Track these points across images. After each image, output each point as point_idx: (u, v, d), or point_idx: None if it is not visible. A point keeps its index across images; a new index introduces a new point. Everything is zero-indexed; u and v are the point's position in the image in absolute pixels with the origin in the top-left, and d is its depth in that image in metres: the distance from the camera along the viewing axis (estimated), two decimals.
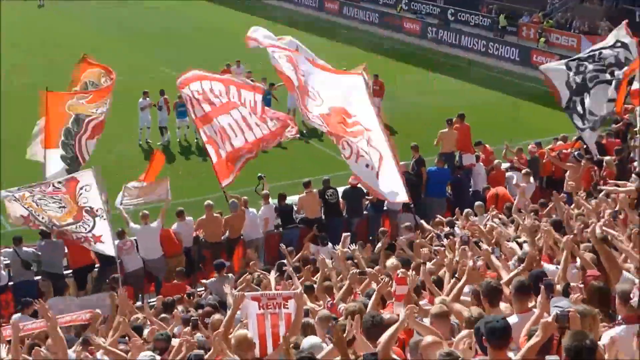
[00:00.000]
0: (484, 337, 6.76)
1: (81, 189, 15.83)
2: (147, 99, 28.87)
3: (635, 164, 18.61)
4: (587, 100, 18.50)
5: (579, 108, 18.63)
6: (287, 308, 9.18)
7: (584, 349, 6.08)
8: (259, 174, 19.97)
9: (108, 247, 15.81)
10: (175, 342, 9.58)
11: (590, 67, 18.62)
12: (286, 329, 8.85)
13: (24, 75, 36.63)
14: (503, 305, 8.62)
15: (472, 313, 8.15)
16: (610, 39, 19.13)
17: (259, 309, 9.11)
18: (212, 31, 48.30)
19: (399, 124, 30.56)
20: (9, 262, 16.73)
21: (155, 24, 50.14)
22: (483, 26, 47.25)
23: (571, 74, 18.69)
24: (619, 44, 18.67)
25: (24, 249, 16.84)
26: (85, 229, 15.74)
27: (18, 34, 45.51)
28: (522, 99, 35.25)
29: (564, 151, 21.14)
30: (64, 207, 15.86)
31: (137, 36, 47.45)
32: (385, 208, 20.03)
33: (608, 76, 18.39)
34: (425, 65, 40.42)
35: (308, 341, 7.96)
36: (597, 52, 18.86)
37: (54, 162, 18.37)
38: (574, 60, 19.22)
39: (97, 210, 15.76)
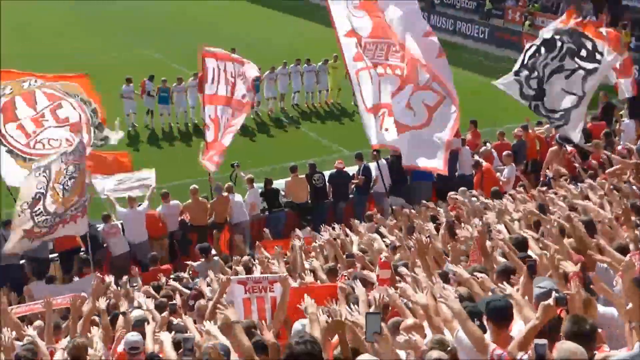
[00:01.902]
0: (486, 317, 6.84)
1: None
2: (131, 85, 28.67)
3: (619, 148, 18.65)
4: (541, 104, 18.08)
5: (542, 110, 18.31)
6: (273, 292, 9.21)
7: (583, 333, 6.09)
8: (232, 162, 19.91)
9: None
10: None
11: (542, 59, 18.22)
12: (272, 313, 8.86)
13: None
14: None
15: (460, 292, 8.19)
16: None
17: (245, 293, 9.14)
18: (187, 16, 47.85)
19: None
20: None
21: (133, 8, 49.65)
22: (468, 9, 47.12)
23: (523, 83, 18.18)
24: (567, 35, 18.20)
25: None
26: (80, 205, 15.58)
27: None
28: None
29: (552, 134, 21.20)
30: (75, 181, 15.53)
31: (113, 19, 47.07)
32: (371, 191, 20.10)
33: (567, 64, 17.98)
34: None
35: (299, 324, 7.91)
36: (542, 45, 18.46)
37: None
38: (520, 67, 18.49)
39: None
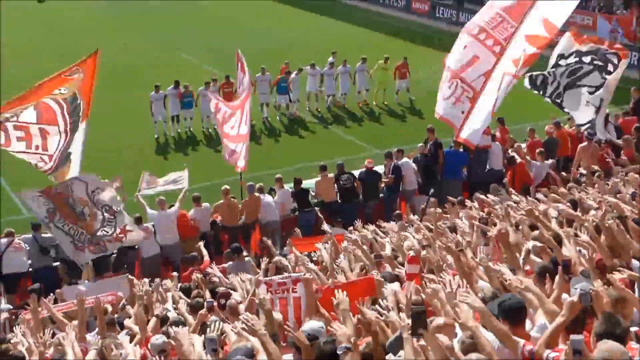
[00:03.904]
0: (500, 317, 6.81)
1: (93, 192, 15.66)
2: (160, 92, 28.35)
3: None
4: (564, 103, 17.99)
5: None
6: (296, 292, 9.21)
7: (613, 336, 5.95)
8: (271, 187, 19.84)
9: (136, 232, 16.06)
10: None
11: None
12: (295, 313, 8.83)
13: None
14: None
15: (485, 293, 8.14)
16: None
17: (267, 294, 9.15)
18: (217, 16, 48.01)
19: (415, 106, 30.63)
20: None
21: (168, 9, 49.90)
22: None
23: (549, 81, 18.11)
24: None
25: (43, 235, 16.97)
26: (110, 230, 15.71)
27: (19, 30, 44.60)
28: None
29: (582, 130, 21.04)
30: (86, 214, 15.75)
31: (148, 21, 47.36)
32: (400, 190, 20.07)
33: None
34: (437, 46, 39.92)
35: (309, 325, 7.86)
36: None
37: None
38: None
39: (115, 208, 15.71)
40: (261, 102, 29.34)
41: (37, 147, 16.87)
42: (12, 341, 10.52)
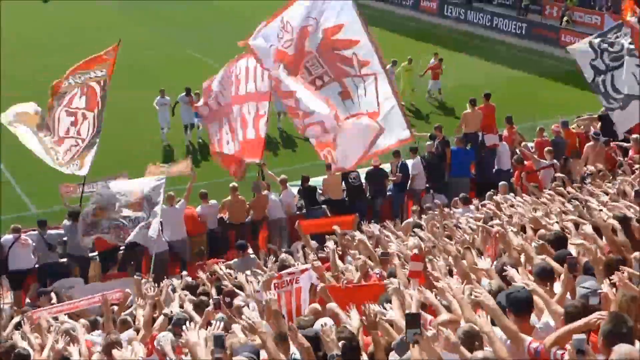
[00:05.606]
0: (506, 308, 6.86)
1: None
2: (166, 97, 27.43)
3: None
4: (608, 79, 18.05)
5: (601, 87, 18.22)
6: (298, 282, 9.23)
7: (620, 335, 5.94)
8: (257, 162, 19.74)
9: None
10: None
11: (618, 41, 18.10)
12: (297, 303, 8.82)
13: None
14: None
15: (491, 286, 8.13)
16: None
17: (274, 289, 9.18)
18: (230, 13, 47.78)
19: (422, 105, 30.57)
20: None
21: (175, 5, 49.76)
22: (506, 5, 46.73)
23: (598, 53, 18.19)
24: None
25: (49, 231, 17.01)
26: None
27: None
28: (544, 78, 34.96)
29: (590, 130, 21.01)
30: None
31: (159, 17, 47.29)
32: (408, 188, 20.04)
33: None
34: (445, 44, 39.81)
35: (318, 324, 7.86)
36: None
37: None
38: (597, 38, 18.68)
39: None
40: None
41: (78, 132, 17.66)
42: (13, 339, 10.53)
